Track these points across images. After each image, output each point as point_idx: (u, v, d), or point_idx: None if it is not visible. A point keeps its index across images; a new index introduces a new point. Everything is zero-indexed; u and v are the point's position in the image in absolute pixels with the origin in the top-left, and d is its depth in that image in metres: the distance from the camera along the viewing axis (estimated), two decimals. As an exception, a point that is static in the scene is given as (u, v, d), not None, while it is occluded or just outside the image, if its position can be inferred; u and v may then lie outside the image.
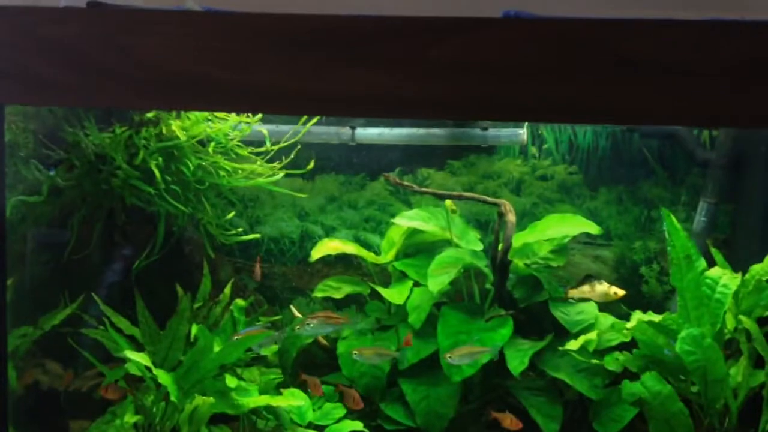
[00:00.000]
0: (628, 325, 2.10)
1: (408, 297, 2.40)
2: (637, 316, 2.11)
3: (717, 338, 2.00)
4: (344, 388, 2.33)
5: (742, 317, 1.98)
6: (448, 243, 2.47)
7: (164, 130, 2.21)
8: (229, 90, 1.63)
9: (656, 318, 2.04)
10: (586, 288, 2.39)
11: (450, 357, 2.16)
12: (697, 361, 1.93)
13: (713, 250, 2.17)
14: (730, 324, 2.08)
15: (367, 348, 2.27)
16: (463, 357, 2.18)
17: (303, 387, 2.33)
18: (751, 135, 2.33)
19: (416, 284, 2.43)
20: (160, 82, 1.61)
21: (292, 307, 2.61)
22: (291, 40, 1.56)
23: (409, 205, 2.63)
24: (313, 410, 2.29)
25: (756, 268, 2.06)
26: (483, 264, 2.39)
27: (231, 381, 2.18)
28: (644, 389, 1.98)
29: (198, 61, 1.60)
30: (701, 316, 2.00)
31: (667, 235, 2.05)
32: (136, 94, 1.65)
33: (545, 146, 2.62)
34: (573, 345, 2.16)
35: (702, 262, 2.06)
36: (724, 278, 2.04)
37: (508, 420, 2.20)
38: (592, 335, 2.15)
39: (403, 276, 2.49)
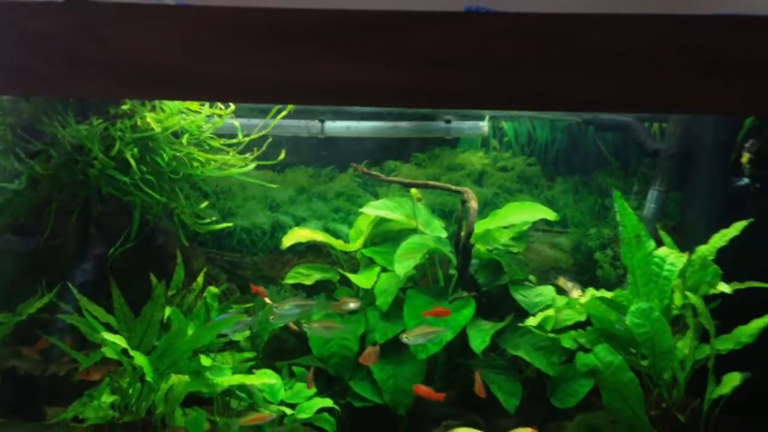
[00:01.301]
0: (582, 300, 2.23)
1: (375, 282, 2.50)
2: (590, 292, 2.24)
3: (665, 313, 2.13)
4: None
5: (688, 293, 2.11)
6: (414, 231, 2.58)
7: (139, 122, 2.30)
8: (204, 81, 1.73)
9: (608, 294, 2.17)
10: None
11: (407, 337, 2.26)
12: (646, 333, 2.06)
13: (662, 233, 2.31)
14: (678, 301, 2.21)
15: (317, 321, 2.36)
16: (418, 337, 2.28)
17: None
18: (698, 127, 2.48)
19: (383, 270, 2.54)
20: (137, 74, 1.71)
21: (266, 299, 2.69)
22: (267, 33, 1.67)
23: (377, 196, 2.75)
24: (285, 390, 2.37)
25: (702, 249, 2.20)
26: (447, 249, 2.50)
27: (205, 360, 2.27)
28: (597, 360, 2.10)
29: (177, 53, 1.70)
30: (650, 291, 2.14)
31: (618, 217, 2.18)
32: (115, 84, 1.74)
33: (506, 139, 2.75)
34: (532, 321, 2.28)
35: (651, 243, 2.20)
36: (671, 257, 2.17)
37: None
38: (550, 312, 2.28)
39: (371, 262, 2.60)
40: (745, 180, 2.25)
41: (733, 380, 2.11)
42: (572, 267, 2.67)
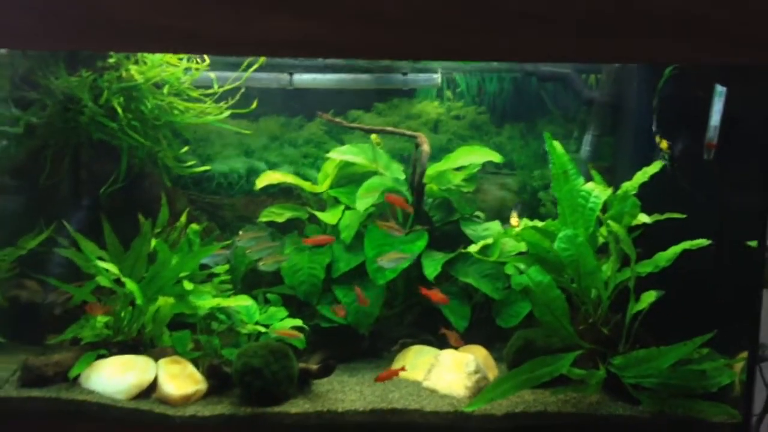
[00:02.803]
0: (517, 229, 2.54)
1: (340, 218, 2.80)
2: (524, 222, 2.54)
3: (590, 240, 2.44)
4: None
5: (610, 222, 2.42)
6: (376, 173, 2.87)
7: (124, 74, 2.56)
8: (176, 35, 2.03)
9: (540, 224, 2.47)
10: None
11: (381, 261, 2.57)
12: (571, 256, 2.37)
13: (593, 172, 2.60)
14: (605, 231, 2.52)
15: (270, 257, 2.66)
16: (391, 261, 2.59)
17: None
18: (626, 77, 2.77)
19: (347, 208, 2.83)
20: (108, 28, 2.01)
21: (240, 232, 2.98)
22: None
23: (342, 142, 3.02)
24: (260, 314, 2.67)
25: (626, 184, 2.50)
26: (404, 188, 2.79)
27: (188, 285, 2.56)
28: (529, 280, 2.41)
29: (149, 9, 1.99)
30: (576, 220, 2.45)
31: (549, 156, 2.48)
32: (89, 37, 2.03)
33: (458, 90, 3.03)
34: (473, 248, 2.59)
35: (579, 178, 2.50)
36: (596, 191, 2.47)
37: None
38: (489, 240, 2.58)
39: (336, 202, 2.89)
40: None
41: (649, 297, 2.43)
42: (520, 205, 2.97)
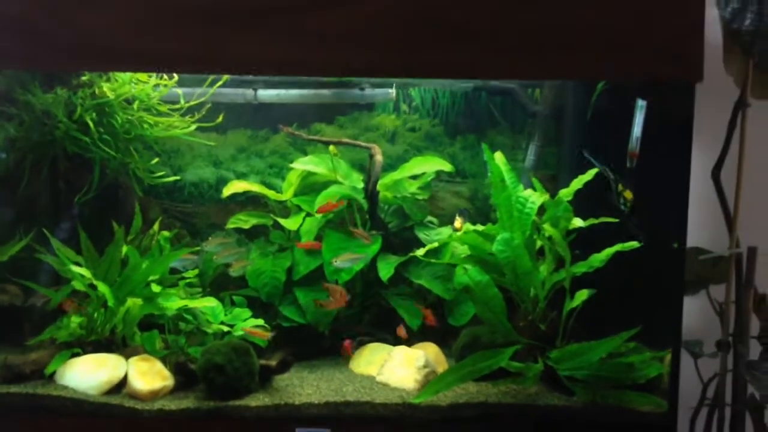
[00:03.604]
0: (459, 233, 2.73)
1: (301, 224, 2.99)
2: (466, 227, 2.74)
3: (527, 243, 2.63)
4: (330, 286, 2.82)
5: (545, 226, 2.62)
6: (335, 182, 3.06)
7: (97, 91, 2.75)
8: (143, 54, 2.24)
9: (480, 228, 2.67)
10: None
11: (336, 261, 2.76)
12: (507, 258, 2.56)
13: (533, 179, 2.80)
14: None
15: (237, 263, 2.87)
16: (345, 261, 2.78)
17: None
18: (565, 92, 2.97)
19: (308, 215, 3.02)
20: (85, 49, 2.22)
21: (210, 238, 3.16)
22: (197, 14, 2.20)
23: (305, 153, 3.21)
24: (225, 314, 2.86)
25: (562, 191, 2.70)
26: (360, 197, 2.98)
27: (156, 288, 2.74)
28: (469, 279, 2.60)
29: (121, 32, 2.20)
30: (513, 225, 2.64)
31: (488, 165, 2.68)
32: (68, 58, 2.24)
33: (414, 104, 3.23)
34: (419, 252, 2.78)
35: (518, 186, 2.69)
36: (532, 197, 2.67)
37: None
38: (435, 244, 2.78)
39: (299, 209, 3.07)
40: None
41: (582, 295, 2.62)
42: (471, 212, 3.17)
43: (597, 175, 2.63)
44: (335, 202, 2.84)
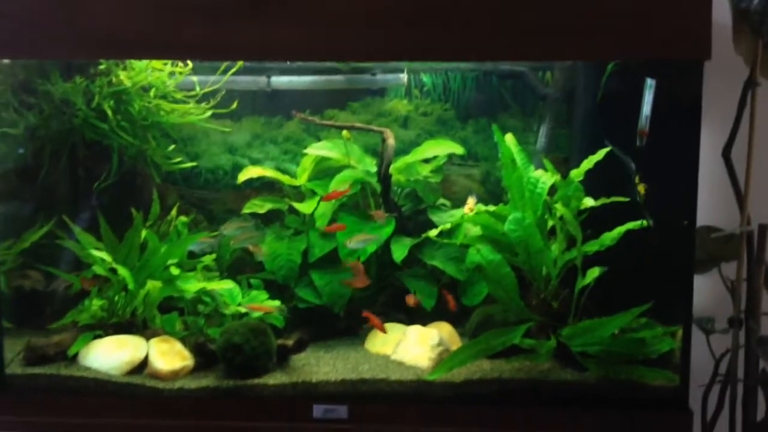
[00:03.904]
0: (471, 213, 2.77)
1: (315, 208, 3.03)
2: (479, 207, 2.78)
3: (539, 222, 2.66)
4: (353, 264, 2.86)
5: (556, 205, 2.65)
6: (349, 167, 3.10)
7: (114, 79, 2.81)
8: (164, 43, 2.30)
9: (492, 208, 2.71)
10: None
11: (348, 243, 2.81)
12: (519, 237, 2.60)
13: (545, 161, 2.83)
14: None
15: (255, 247, 2.92)
16: (359, 242, 2.83)
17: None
18: (575, 74, 3.00)
19: (323, 199, 3.07)
20: (98, 39, 2.29)
21: (228, 222, 3.20)
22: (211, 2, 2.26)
23: (319, 139, 3.25)
24: (243, 296, 2.91)
25: (574, 171, 2.73)
26: (374, 180, 3.03)
27: (175, 271, 2.80)
28: (482, 258, 2.64)
29: (132, 23, 2.27)
30: (524, 205, 2.67)
31: (498, 146, 2.71)
32: (78, 48, 2.31)
33: (425, 89, 3.27)
34: (432, 233, 2.82)
35: (528, 166, 2.72)
36: (543, 177, 2.70)
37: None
38: (447, 225, 2.82)
39: (313, 193, 3.12)
40: None
41: (593, 273, 2.65)
42: (483, 194, 3.20)
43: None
44: (341, 190, 2.88)
